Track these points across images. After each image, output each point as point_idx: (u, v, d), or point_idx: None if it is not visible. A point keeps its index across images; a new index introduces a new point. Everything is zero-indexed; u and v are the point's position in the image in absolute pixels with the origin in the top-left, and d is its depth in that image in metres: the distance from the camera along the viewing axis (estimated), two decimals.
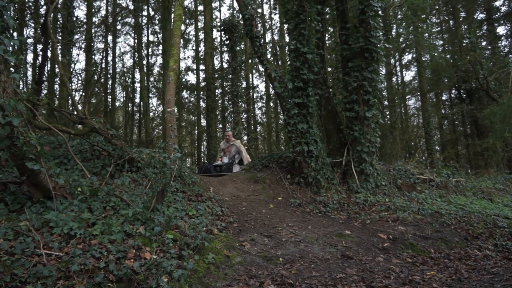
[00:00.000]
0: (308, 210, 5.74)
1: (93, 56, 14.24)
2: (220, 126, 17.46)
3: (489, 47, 16.56)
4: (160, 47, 17.34)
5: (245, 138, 16.00)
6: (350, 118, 6.87)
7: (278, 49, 14.76)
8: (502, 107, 10.77)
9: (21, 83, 11.53)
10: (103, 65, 15.64)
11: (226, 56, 16.47)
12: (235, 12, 18.48)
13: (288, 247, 3.90)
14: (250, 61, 17.19)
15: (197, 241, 3.37)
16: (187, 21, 18.76)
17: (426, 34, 14.58)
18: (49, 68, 11.73)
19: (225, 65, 16.54)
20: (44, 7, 8.79)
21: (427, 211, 5.55)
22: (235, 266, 3.34)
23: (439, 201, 6.63)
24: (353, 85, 6.77)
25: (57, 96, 11.57)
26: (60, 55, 11.50)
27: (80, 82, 14.26)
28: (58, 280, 2.49)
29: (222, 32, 14.33)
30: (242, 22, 10.39)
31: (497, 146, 11.91)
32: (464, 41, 15.40)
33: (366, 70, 6.72)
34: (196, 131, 19.61)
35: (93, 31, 14.65)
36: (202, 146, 18.74)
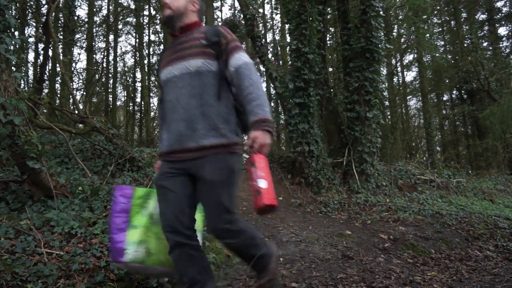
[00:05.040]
0: (308, 210, 5.73)
1: (94, 56, 14.26)
2: None
3: (491, 48, 16.55)
4: (161, 47, 17.34)
5: (246, 137, 15.98)
6: (351, 118, 6.86)
7: (279, 49, 14.76)
8: (501, 108, 10.79)
9: (22, 82, 11.53)
10: (104, 65, 15.65)
11: None
12: (236, 12, 18.48)
13: (288, 247, 3.89)
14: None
15: None
16: None
17: (428, 35, 14.57)
18: (50, 67, 11.74)
19: None
20: (46, 6, 8.80)
21: (428, 212, 5.55)
22: (236, 266, 3.34)
23: (440, 202, 6.62)
24: (354, 86, 6.77)
25: (58, 95, 11.58)
26: (61, 54, 11.50)
27: (81, 81, 14.26)
28: (59, 279, 2.49)
29: None
30: (243, 22, 10.37)
31: (498, 147, 11.90)
32: (466, 41, 15.38)
33: (367, 71, 6.71)
34: None
35: (94, 30, 14.66)
36: None
